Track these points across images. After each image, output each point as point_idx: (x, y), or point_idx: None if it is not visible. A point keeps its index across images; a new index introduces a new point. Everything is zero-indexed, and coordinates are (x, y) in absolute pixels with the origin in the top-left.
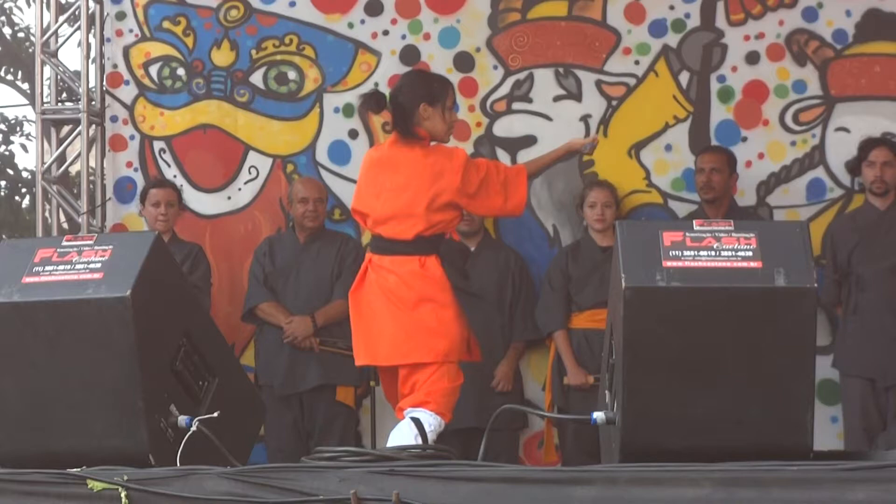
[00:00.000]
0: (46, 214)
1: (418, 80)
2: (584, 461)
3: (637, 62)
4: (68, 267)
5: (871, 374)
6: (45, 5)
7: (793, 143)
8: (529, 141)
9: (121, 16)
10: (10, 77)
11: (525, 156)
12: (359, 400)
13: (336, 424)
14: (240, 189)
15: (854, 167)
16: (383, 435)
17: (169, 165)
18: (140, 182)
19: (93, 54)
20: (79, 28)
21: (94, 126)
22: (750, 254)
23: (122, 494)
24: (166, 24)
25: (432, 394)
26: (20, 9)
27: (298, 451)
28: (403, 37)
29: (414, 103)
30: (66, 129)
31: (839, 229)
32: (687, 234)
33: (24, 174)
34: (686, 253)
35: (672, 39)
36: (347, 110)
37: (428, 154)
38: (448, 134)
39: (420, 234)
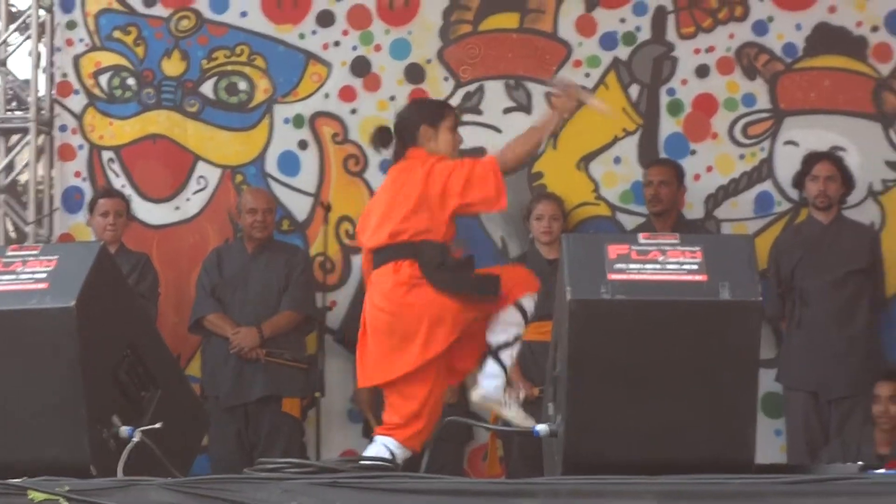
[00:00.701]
0: None
1: (416, 105)
2: (528, 474)
3: (587, 75)
4: (13, 277)
5: (814, 387)
6: None
7: (741, 157)
8: (479, 153)
9: (71, 25)
10: None
11: None
12: (304, 411)
13: (281, 436)
14: (188, 199)
15: (798, 181)
16: (328, 446)
17: (118, 175)
18: (88, 192)
19: (43, 63)
20: (29, 37)
21: (42, 135)
22: (695, 267)
23: None
24: (117, 34)
25: None
26: None
27: (243, 462)
28: (354, 48)
29: (415, 126)
30: (14, 137)
31: (783, 243)
32: (632, 247)
33: None
34: (631, 266)
35: (622, 52)
36: (297, 121)
37: (410, 167)
38: (454, 151)
39: (393, 239)
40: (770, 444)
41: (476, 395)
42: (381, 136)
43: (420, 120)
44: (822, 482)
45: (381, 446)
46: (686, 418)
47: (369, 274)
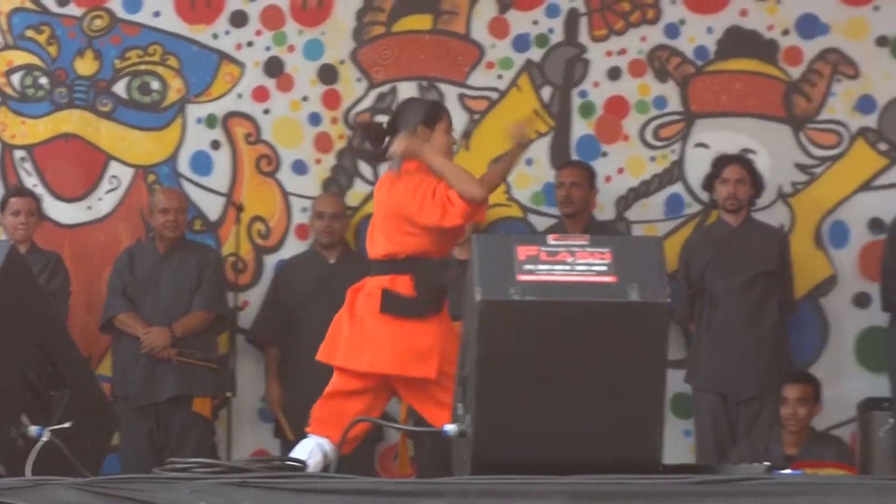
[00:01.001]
0: None
1: (413, 105)
2: (439, 474)
3: (500, 76)
4: None
5: (722, 389)
6: None
7: (652, 159)
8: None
9: None
10: None
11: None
12: (215, 411)
13: (191, 436)
14: (100, 199)
15: (708, 184)
16: (238, 446)
17: (29, 174)
18: (0, 191)
19: None
20: None
21: None
22: (604, 268)
23: None
24: (29, 33)
25: None
26: None
27: (154, 462)
28: (268, 48)
29: (413, 126)
30: None
31: (693, 245)
32: (542, 248)
33: None
34: (541, 267)
35: (535, 54)
36: (210, 121)
37: (403, 180)
38: (449, 153)
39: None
40: (679, 444)
41: None
42: (374, 133)
43: (417, 120)
44: (729, 482)
45: (317, 447)
46: (594, 419)
47: None
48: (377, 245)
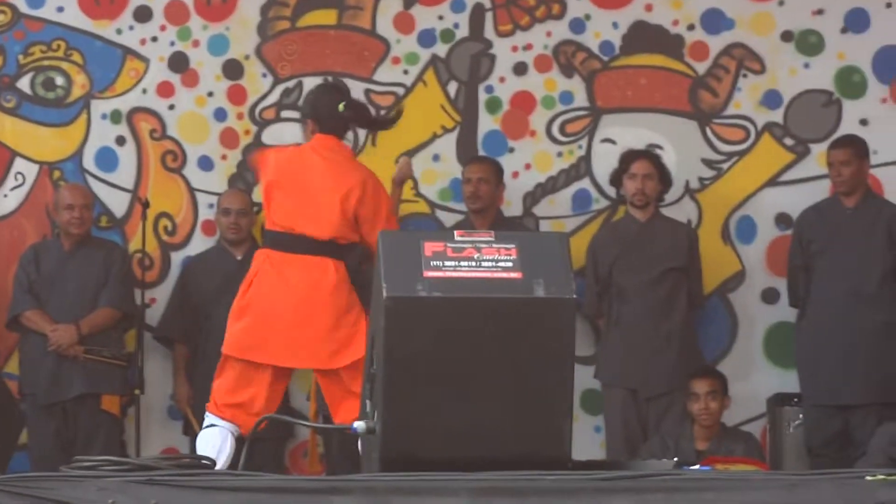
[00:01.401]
0: None
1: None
2: (349, 471)
3: (406, 72)
4: None
5: (632, 384)
6: None
7: (559, 154)
8: None
9: None
10: None
11: None
12: (124, 409)
13: (100, 433)
14: (5, 196)
15: (616, 179)
16: (147, 444)
17: None
18: None
19: None
20: None
21: None
22: (510, 264)
23: None
24: None
25: None
26: None
27: (62, 460)
28: (172, 43)
29: None
30: None
31: (601, 241)
32: (448, 244)
33: None
34: (447, 263)
35: (441, 49)
36: (115, 117)
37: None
38: None
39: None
40: (589, 440)
41: None
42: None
43: None
44: (638, 478)
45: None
46: (502, 415)
47: None
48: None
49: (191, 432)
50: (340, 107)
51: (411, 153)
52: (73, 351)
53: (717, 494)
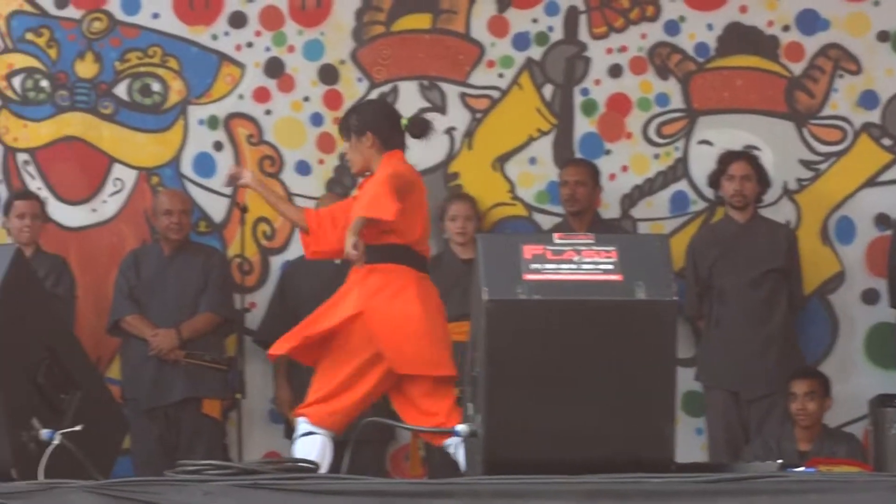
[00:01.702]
0: None
1: None
2: (450, 474)
3: (501, 75)
4: None
5: (733, 386)
6: None
7: (656, 156)
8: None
9: None
10: None
11: None
12: (225, 413)
13: (202, 438)
14: (105, 201)
15: (714, 180)
16: (249, 447)
17: (33, 177)
18: (3, 194)
19: None
20: None
21: None
22: (610, 267)
23: None
24: (29, 36)
25: None
26: None
27: (164, 464)
28: (267, 49)
29: None
30: None
31: (700, 242)
32: (547, 247)
33: None
34: (547, 266)
35: (535, 52)
36: (212, 122)
37: None
38: None
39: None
40: (691, 442)
41: None
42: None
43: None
44: (743, 480)
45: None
46: (605, 417)
47: None
48: None
49: (292, 436)
50: (404, 122)
51: (507, 156)
52: (174, 355)
53: (821, 496)
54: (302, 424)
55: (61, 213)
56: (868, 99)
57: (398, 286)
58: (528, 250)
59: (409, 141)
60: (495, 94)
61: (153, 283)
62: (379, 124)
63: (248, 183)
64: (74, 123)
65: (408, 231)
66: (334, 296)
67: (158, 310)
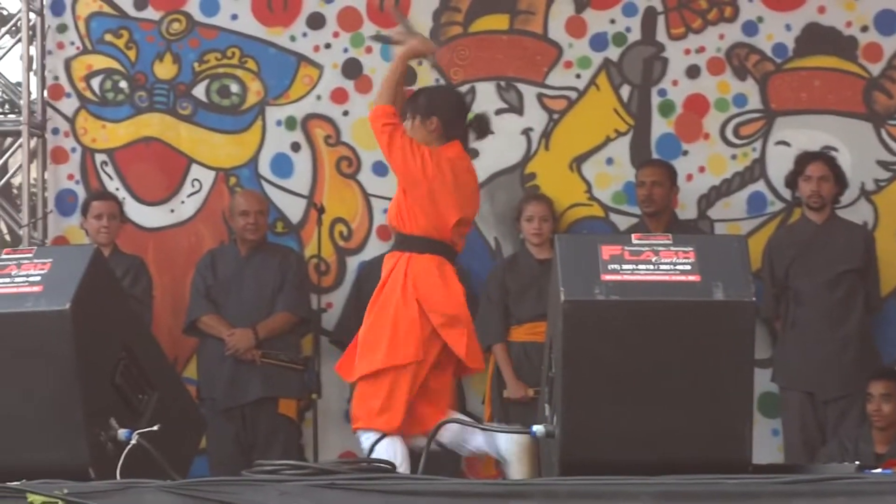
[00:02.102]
0: None
1: None
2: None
3: (578, 76)
4: (7, 280)
5: (809, 387)
6: None
7: (733, 157)
8: (471, 154)
9: (62, 28)
10: None
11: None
12: (301, 413)
13: (278, 437)
14: (183, 202)
15: (791, 181)
16: (325, 447)
17: (111, 178)
18: (82, 194)
19: (34, 66)
20: (20, 40)
21: (35, 138)
22: (688, 267)
23: None
24: (108, 37)
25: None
26: None
27: (241, 464)
28: (345, 50)
29: None
30: (7, 141)
31: (776, 243)
32: (625, 247)
33: None
34: (625, 266)
35: (613, 53)
36: (290, 123)
37: None
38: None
39: None
40: (767, 444)
41: None
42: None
43: None
44: (819, 482)
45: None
46: (682, 418)
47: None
48: None
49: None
50: (470, 116)
51: (584, 157)
52: (251, 355)
53: None
54: None
55: (139, 213)
56: None
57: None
58: (606, 251)
59: (487, 143)
60: (573, 94)
61: (230, 283)
62: (447, 112)
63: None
64: (153, 124)
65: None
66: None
67: (235, 309)
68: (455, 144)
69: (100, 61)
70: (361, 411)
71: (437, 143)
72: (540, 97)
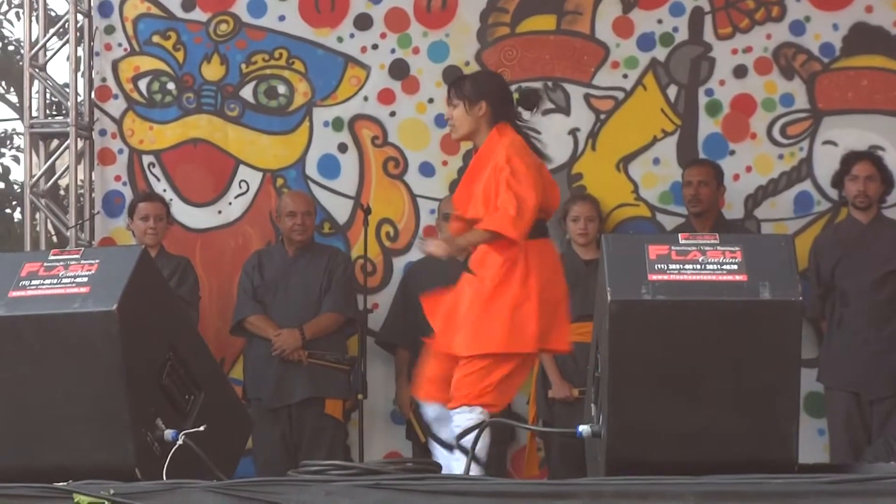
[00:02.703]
0: (36, 228)
1: None
2: (570, 475)
3: (625, 76)
4: (55, 281)
5: (855, 387)
6: (34, 19)
7: (780, 157)
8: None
9: (109, 30)
10: (0, 90)
11: None
12: (347, 413)
13: (324, 438)
14: (230, 203)
15: (837, 181)
16: (371, 448)
17: (158, 179)
18: (129, 196)
19: (82, 68)
20: (67, 42)
21: (82, 140)
22: (735, 267)
23: None
24: (156, 39)
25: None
26: (10, 22)
27: (287, 464)
28: (392, 51)
29: None
30: (54, 142)
31: (822, 243)
32: (672, 247)
33: (16, 187)
34: (671, 266)
35: (660, 53)
36: (337, 124)
37: None
38: None
39: None
40: (813, 443)
41: None
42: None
43: None
44: (866, 482)
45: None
46: (728, 418)
47: None
48: None
49: (413, 437)
50: (515, 95)
51: (631, 157)
52: (297, 355)
53: None
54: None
55: (186, 214)
56: None
57: None
58: (653, 250)
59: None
60: (619, 94)
61: (277, 284)
62: (494, 95)
63: (433, 251)
64: (200, 125)
65: None
66: None
67: (282, 310)
68: (506, 127)
69: (147, 63)
70: (470, 389)
71: (486, 126)
72: (587, 97)
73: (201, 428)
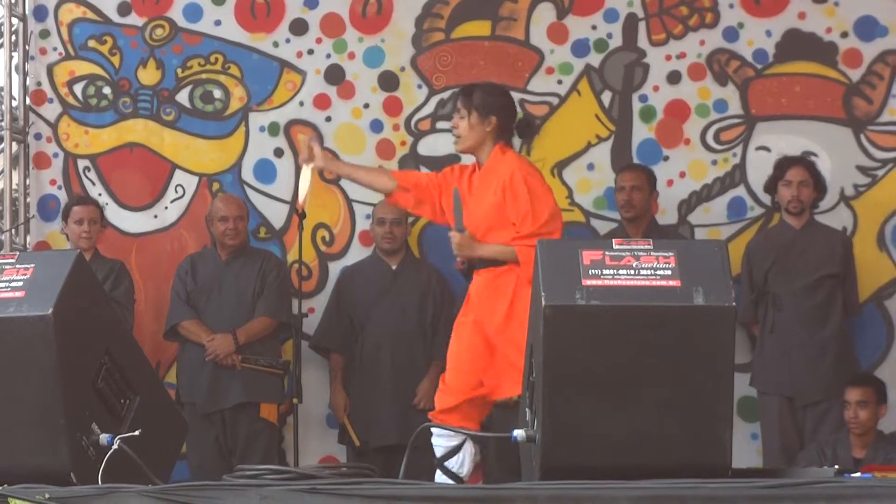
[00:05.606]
0: None
1: None
2: (506, 479)
3: (560, 82)
4: None
5: (788, 392)
6: None
7: (714, 162)
8: (453, 160)
9: (44, 34)
10: None
11: None
12: (282, 417)
13: (259, 442)
14: (166, 207)
15: (771, 186)
16: (306, 452)
17: (94, 184)
18: (64, 200)
19: (17, 72)
20: (1, 45)
21: (17, 144)
22: (669, 272)
23: None
24: (92, 43)
25: None
26: None
27: (221, 468)
28: (328, 56)
29: None
30: None
31: (755, 248)
32: (606, 252)
33: None
34: (605, 271)
35: (594, 59)
36: (273, 129)
37: None
38: None
39: None
40: (746, 448)
41: None
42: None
43: None
44: (798, 486)
45: None
46: (662, 423)
47: None
48: None
49: (347, 441)
50: (519, 115)
51: (566, 162)
52: (231, 360)
53: (878, 502)
54: None
55: (122, 218)
56: None
57: None
58: (587, 256)
59: None
60: (554, 100)
61: (210, 288)
62: (505, 113)
63: (320, 165)
64: (136, 130)
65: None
66: None
67: (215, 314)
68: (508, 147)
69: (83, 67)
70: None
71: (490, 141)
72: (522, 103)
73: (136, 432)
